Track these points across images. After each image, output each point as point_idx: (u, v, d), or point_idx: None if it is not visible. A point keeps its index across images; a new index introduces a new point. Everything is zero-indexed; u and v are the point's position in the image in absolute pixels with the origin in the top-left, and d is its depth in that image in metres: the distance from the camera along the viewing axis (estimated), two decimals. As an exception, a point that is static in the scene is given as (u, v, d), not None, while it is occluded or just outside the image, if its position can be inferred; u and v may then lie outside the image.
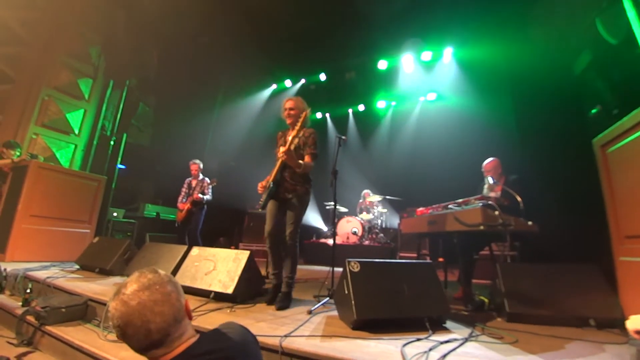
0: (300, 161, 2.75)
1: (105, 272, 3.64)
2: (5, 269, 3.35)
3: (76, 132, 5.87)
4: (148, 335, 0.82)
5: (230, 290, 2.62)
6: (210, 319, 2.19)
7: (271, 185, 2.79)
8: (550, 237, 3.15)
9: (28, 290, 2.90)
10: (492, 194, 3.22)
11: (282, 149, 2.67)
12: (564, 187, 4.46)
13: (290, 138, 2.70)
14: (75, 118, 5.84)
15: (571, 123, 4.71)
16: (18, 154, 4.65)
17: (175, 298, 0.89)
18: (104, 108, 6.21)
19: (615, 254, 2.35)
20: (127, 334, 0.82)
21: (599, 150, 2.54)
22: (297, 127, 2.68)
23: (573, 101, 4.78)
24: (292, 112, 2.89)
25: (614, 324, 2.12)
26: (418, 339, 1.84)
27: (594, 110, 4.49)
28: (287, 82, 8.50)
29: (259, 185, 2.92)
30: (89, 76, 6.03)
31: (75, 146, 5.89)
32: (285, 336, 1.80)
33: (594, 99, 4.41)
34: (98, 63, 6.14)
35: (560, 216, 3.97)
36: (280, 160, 2.78)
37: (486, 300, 2.65)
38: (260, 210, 2.85)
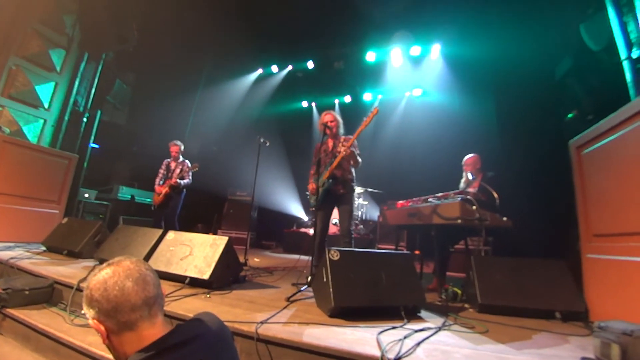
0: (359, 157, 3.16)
1: (74, 255, 3.48)
2: (-38, 248, 3.14)
3: (46, 106, 5.49)
4: (146, 288, 0.86)
5: (206, 276, 2.56)
6: (185, 304, 2.14)
7: (330, 182, 3.15)
8: (522, 234, 3.27)
9: (-12, 271, 2.73)
10: (470, 189, 3.29)
11: (343, 147, 3.05)
12: (537, 186, 4.64)
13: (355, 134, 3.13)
14: (45, 91, 5.45)
15: (548, 126, 4.89)
16: (-20, 126, 4.33)
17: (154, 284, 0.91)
18: (77, 82, 5.82)
19: (583, 251, 2.46)
20: (126, 286, 0.83)
21: (575, 151, 2.62)
22: (365, 123, 3.01)
23: (552, 105, 4.95)
24: (332, 123, 3.32)
25: (578, 317, 2.24)
26: (393, 327, 1.87)
27: (570, 115, 4.66)
28: (274, 68, 8.30)
29: (310, 188, 3.28)
30: (62, 47, 5.62)
31: (45, 121, 5.52)
32: (262, 323, 1.78)
33: (571, 104, 4.57)
34: (72, 33, 5.73)
35: (532, 214, 4.13)
36: (338, 158, 3.11)
37: (459, 291, 2.73)
38: (311, 209, 3.17)
